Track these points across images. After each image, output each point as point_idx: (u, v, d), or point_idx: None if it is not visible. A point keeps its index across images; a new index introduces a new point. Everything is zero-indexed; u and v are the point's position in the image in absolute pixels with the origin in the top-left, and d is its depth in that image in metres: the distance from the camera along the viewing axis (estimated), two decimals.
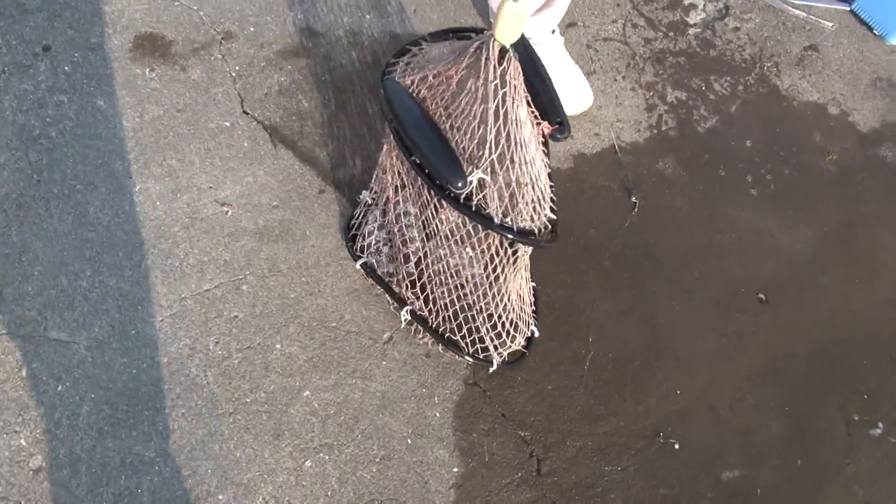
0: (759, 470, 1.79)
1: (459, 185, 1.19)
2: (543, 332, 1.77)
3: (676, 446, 1.77)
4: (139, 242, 1.64)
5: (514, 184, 1.24)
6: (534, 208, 1.29)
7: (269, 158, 1.82)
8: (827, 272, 2.12)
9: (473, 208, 1.24)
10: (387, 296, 1.69)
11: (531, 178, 1.27)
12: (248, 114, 1.87)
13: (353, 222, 1.76)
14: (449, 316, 1.61)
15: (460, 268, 1.60)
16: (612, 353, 1.83)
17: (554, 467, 1.67)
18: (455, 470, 1.61)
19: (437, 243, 1.55)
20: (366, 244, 1.71)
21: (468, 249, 1.57)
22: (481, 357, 1.65)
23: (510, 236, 1.27)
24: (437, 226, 1.53)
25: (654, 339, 1.89)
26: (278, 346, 1.62)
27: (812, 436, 1.87)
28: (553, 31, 2.03)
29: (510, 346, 1.69)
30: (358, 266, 1.70)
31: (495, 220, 1.25)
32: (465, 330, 1.61)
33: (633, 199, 2.08)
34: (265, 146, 1.84)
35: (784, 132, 2.32)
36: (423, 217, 1.53)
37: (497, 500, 1.60)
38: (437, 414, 1.66)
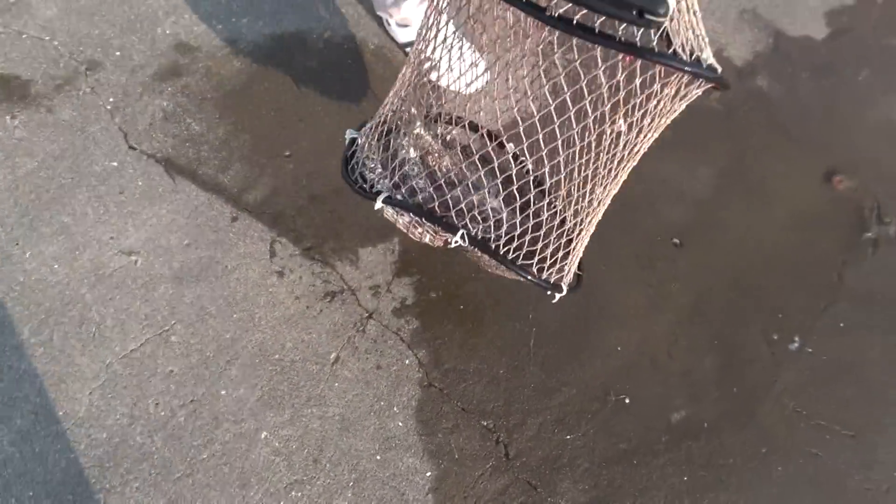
0: (703, 405, 1.91)
1: (661, 11, 0.91)
2: (489, 315, 1.79)
3: (627, 401, 1.85)
4: (44, 314, 1.49)
5: (687, 9, 0.99)
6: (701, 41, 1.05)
7: (169, 194, 1.69)
8: (728, 207, 2.26)
9: (655, 50, 0.96)
10: (429, 232, 1.47)
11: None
12: (134, 148, 1.72)
13: (351, 164, 1.49)
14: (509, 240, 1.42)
15: (484, 201, 1.43)
16: (552, 326, 1.88)
17: (521, 448, 1.71)
18: (428, 474, 1.61)
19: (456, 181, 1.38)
20: (378, 188, 1.46)
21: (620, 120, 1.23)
22: (552, 283, 1.51)
23: (706, 75, 1.01)
24: (448, 165, 1.38)
25: (588, 303, 1.95)
26: (223, 392, 1.54)
27: (741, 363, 2.01)
28: None
29: (573, 267, 1.57)
30: (380, 204, 1.42)
31: (684, 57, 0.99)
32: (525, 252, 1.44)
33: None
34: (162, 181, 1.70)
35: None
36: (437, 158, 1.37)
37: (473, 493, 1.63)
38: (400, 423, 1.65)
